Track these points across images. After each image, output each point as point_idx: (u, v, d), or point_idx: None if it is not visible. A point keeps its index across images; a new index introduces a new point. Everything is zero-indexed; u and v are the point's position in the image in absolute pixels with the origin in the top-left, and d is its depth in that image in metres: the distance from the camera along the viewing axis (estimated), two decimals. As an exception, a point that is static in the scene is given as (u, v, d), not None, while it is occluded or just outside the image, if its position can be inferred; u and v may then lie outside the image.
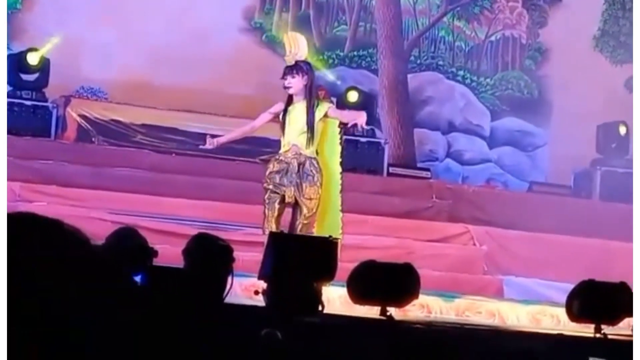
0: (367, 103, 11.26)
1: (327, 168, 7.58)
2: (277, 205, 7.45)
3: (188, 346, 4.35)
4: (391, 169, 11.53)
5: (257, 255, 6.01)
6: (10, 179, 8.77)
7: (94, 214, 8.70)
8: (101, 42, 11.81)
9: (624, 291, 5.99)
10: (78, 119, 11.04)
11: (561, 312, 6.60)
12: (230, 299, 5.19)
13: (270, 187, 7.48)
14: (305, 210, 7.42)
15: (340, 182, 7.61)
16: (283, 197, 7.47)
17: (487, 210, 10.84)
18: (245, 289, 6.51)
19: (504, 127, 13.44)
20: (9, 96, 10.60)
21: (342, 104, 10.85)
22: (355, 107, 10.51)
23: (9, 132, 9.81)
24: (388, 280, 5.66)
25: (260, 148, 9.99)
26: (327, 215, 7.54)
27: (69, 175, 9.82)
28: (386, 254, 7.74)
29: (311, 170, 7.46)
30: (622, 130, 12.23)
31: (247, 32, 12.75)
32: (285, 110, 7.54)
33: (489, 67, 13.54)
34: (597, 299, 5.95)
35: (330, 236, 6.15)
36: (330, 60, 12.97)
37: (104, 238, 5.34)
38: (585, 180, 12.10)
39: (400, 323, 5.65)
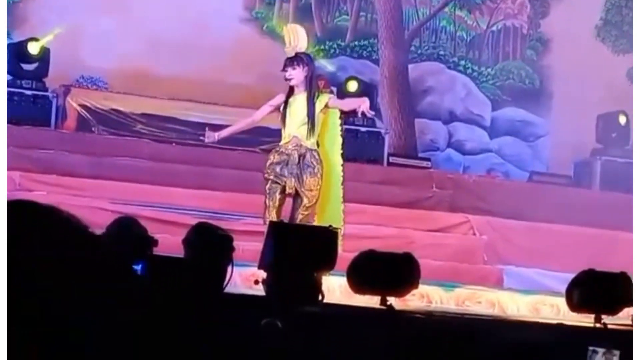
0: (366, 93, 11.24)
1: (327, 159, 7.58)
2: (278, 196, 7.46)
3: (188, 335, 4.35)
4: (391, 159, 11.53)
5: (257, 245, 6.00)
6: (10, 168, 8.76)
7: (94, 203, 8.69)
8: (101, 31, 11.80)
9: (624, 281, 5.98)
10: (78, 108, 11.04)
11: (561, 302, 6.60)
12: (230, 288, 5.19)
13: (271, 177, 7.49)
14: (305, 201, 7.43)
15: (341, 173, 7.62)
16: (284, 188, 7.48)
17: (487, 200, 10.85)
18: (245, 278, 6.51)
19: (505, 117, 13.43)
20: (8, 85, 10.60)
21: (342, 94, 10.84)
22: (355, 96, 10.49)
23: (9, 121, 9.80)
24: (388, 270, 5.65)
25: (261, 137, 9.99)
26: (329, 205, 7.55)
27: (69, 165, 9.82)
28: (386, 243, 7.74)
29: (312, 162, 7.46)
30: (622, 119, 12.22)
31: (248, 22, 12.74)
32: (285, 102, 7.54)
33: (490, 57, 13.53)
34: (597, 289, 5.94)
35: (330, 226, 6.15)
36: (332, 50, 12.96)
37: (104, 227, 5.34)
38: (585, 170, 12.10)
39: (400, 313, 5.64)
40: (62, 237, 1.74)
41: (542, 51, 13.59)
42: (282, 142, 7.59)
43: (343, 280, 5.83)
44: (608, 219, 10.08)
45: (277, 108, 7.61)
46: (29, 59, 10.91)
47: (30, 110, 10.63)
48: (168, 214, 9.01)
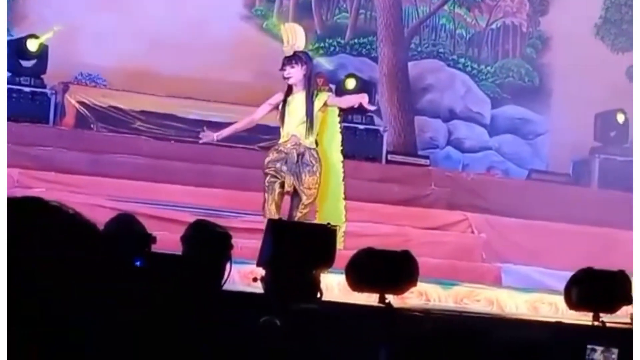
0: (365, 90, 11.22)
1: (327, 157, 7.58)
2: (277, 189, 7.46)
3: (187, 333, 4.35)
4: (390, 157, 11.52)
5: (255, 243, 6.00)
6: (8, 165, 8.75)
7: (92, 200, 8.68)
8: (100, 29, 11.79)
9: (622, 279, 5.98)
10: (77, 105, 11.03)
11: (559, 300, 6.60)
12: (228, 286, 5.18)
13: (271, 171, 7.50)
14: (304, 199, 7.43)
15: (342, 170, 7.62)
16: (283, 183, 7.49)
17: (485, 197, 10.84)
18: (244, 276, 6.50)
19: (505, 114, 13.43)
20: (7, 82, 10.58)
21: (340, 92, 10.84)
22: (354, 94, 10.48)
23: (8, 118, 9.80)
24: (386, 268, 5.65)
25: (260, 135, 9.98)
26: (329, 203, 7.55)
27: (68, 162, 9.81)
28: (384, 241, 7.72)
29: (310, 161, 7.47)
30: (621, 118, 12.22)
31: (248, 20, 12.73)
32: (284, 101, 7.54)
33: (490, 55, 13.52)
34: (596, 287, 5.94)
35: (328, 223, 6.15)
36: (332, 48, 12.96)
37: (103, 224, 5.34)
38: (584, 168, 12.10)
39: (398, 310, 5.64)
40: (69, 235, 1.74)
41: (542, 49, 13.58)
42: (280, 141, 7.59)
43: (341, 278, 5.83)
44: (606, 217, 10.08)
45: (276, 107, 7.60)
46: (27, 55, 10.90)
47: (28, 107, 10.62)
48: (166, 211, 9.00)
